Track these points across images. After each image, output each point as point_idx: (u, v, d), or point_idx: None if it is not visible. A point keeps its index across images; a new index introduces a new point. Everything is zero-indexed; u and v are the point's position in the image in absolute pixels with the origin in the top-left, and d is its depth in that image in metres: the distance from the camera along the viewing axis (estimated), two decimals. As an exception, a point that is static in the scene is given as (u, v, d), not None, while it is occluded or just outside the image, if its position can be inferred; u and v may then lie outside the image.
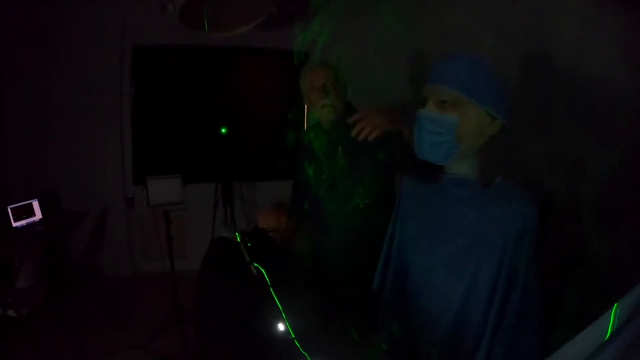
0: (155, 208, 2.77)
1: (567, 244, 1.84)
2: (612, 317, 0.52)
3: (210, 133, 3.59)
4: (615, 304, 0.53)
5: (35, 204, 3.17)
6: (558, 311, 1.16)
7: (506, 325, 0.88)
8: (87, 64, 3.56)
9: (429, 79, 1.02)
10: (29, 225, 3.09)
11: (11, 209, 3.00)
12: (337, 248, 1.70)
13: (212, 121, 3.64)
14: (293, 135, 1.78)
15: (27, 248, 2.69)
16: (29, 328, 2.71)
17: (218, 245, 1.56)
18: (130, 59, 3.66)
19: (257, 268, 1.25)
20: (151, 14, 3.36)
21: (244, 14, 2.33)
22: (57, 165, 3.65)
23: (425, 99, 1.02)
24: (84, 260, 3.84)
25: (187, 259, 3.70)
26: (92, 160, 3.73)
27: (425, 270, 1.06)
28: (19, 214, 3.05)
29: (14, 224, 3.00)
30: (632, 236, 1.60)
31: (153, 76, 3.78)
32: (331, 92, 1.69)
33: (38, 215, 3.18)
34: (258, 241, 1.46)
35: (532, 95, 2.27)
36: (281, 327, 1.01)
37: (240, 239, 1.43)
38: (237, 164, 3.75)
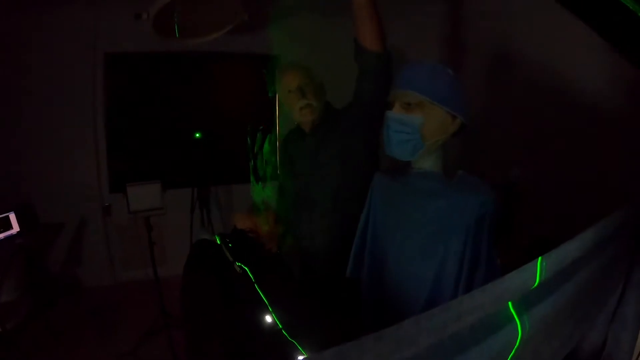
0: (136, 214, 2.79)
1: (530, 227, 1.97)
2: (538, 268, 0.61)
3: (185, 138, 3.60)
4: (540, 257, 0.61)
5: (12, 217, 3.13)
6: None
7: None
8: (59, 73, 3.51)
9: (395, 85, 1.14)
10: (7, 238, 3.05)
11: (-13, 222, 2.96)
12: (322, 245, 1.72)
13: (186, 126, 3.65)
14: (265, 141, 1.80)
15: (9, 261, 2.66)
16: (16, 343, 2.69)
17: (200, 247, 1.60)
18: (103, 67, 3.64)
19: (240, 267, 1.30)
20: (123, 21, 3.34)
21: (216, 21, 2.37)
22: (32, 176, 3.57)
23: (392, 102, 1.14)
24: (64, 272, 3.79)
25: (167, 264, 3.69)
26: (66, 170, 3.68)
27: (399, 255, 1.17)
28: (-4, 228, 3.01)
29: (-9, 238, 2.95)
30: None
31: (126, 83, 3.78)
32: (308, 92, 1.65)
33: (15, 228, 3.14)
34: (238, 242, 1.51)
35: (498, 93, 2.39)
36: (268, 319, 1.08)
37: (220, 240, 1.47)
38: (212, 168, 3.76)
